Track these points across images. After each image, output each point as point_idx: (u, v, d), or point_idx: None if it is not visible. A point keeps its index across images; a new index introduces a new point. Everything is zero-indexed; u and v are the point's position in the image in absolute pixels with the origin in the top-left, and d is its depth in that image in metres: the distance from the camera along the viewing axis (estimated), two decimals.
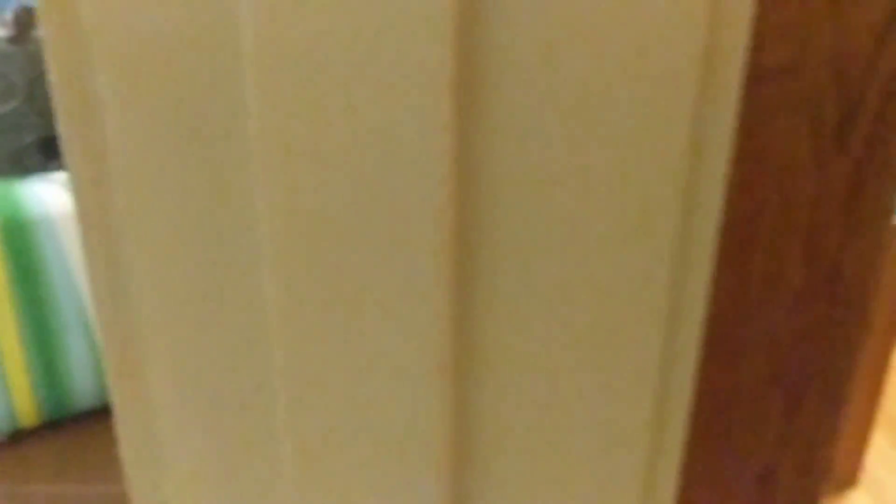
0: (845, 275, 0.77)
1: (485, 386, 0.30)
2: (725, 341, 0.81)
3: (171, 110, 0.26)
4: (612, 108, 0.26)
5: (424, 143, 0.25)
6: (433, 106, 0.25)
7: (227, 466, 0.31)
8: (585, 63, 0.25)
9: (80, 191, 0.28)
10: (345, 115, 0.26)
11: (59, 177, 0.57)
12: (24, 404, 0.54)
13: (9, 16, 0.65)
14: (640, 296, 0.29)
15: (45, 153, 0.67)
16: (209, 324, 0.29)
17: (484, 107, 0.26)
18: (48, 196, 0.53)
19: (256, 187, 0.27)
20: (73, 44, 0.27)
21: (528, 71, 0.25)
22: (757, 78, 0.67)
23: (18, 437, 0.55)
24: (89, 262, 0.29)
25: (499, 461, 0.31)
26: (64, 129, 0.28)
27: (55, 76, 0.27)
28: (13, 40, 0.64)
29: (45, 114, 0.65)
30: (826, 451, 0.85)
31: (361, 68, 0.25)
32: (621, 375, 0.30)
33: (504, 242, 0.27)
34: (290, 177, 0.26)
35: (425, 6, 0.24)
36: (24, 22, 0.65)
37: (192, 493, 0.32)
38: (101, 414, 0.59)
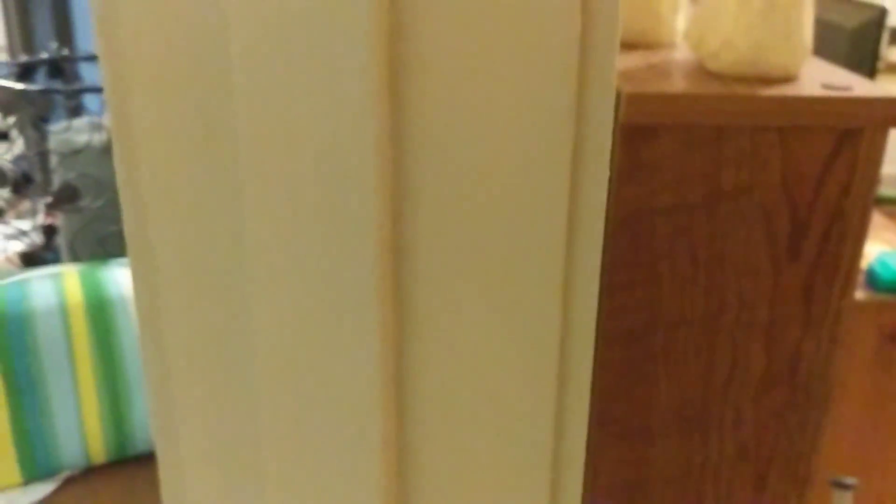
0: (804, 364, 0.85)
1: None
2: (694, 421, 0.89)
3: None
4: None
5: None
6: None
7: (234, 496, 0.42)
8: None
9: (136, 279, 0.40)
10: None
11: None
12: (95, 445, 0.65)
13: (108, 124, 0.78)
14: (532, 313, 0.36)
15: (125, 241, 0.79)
16: (218, 390, 0.41)
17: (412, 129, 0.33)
18: (125, 279, 0.65)
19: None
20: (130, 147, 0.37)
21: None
22: (717, 196, 0.77)
23: (89, 472, 0.67)
24: (142, 344, 0.41)
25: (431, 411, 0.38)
26: (126, 226, 0.39)
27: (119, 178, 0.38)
28: (109, 146, 0.77)
29: None
30: None
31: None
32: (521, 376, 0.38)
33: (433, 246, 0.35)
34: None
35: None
36: None
37: None
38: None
